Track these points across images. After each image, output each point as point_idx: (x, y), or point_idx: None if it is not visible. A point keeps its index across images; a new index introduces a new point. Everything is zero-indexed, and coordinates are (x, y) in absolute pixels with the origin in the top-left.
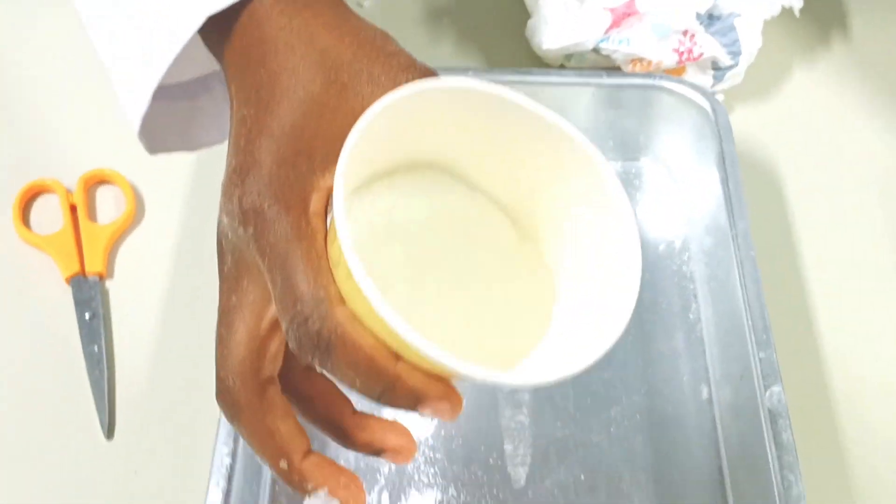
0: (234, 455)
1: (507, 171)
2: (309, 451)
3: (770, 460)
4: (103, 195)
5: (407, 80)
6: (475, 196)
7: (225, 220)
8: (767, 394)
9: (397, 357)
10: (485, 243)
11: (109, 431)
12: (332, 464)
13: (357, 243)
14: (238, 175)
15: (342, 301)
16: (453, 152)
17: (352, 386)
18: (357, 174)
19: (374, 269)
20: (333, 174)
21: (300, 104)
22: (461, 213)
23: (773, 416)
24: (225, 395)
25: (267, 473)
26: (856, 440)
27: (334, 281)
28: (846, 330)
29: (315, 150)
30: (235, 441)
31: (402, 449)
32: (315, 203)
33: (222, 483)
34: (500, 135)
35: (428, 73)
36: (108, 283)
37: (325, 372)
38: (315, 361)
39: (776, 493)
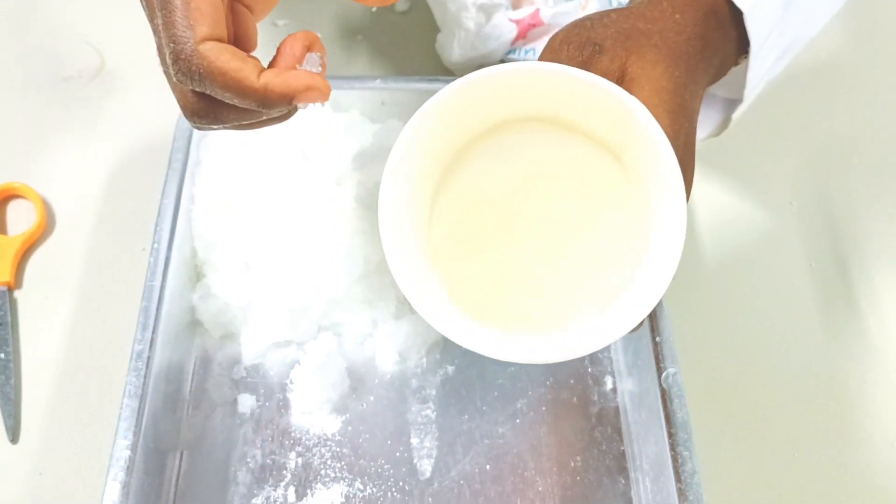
0: (134, 448)
1: (601, 121)
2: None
3: (666, 438)
4: (14, 208)
5: None
6: (576, 138)
7: None
8: (664, 375)
9: (260, 70)
10: (588, 183)
11: (14, 436)
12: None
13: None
14: None
15: (210, 36)
16: (552, 108)
17: (232, 102)
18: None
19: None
20: None
21: None
22: (565, 158)
23: (669, 396)
24: (194, 57)
25: (172, 465)
26: (749, 419)
27: (207, 20)
28: (742, 312)
29: None
30: (135, 435)
31: (313, 85)
32: None
33: (121, 476)
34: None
35: None
36: (17, 294)
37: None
38: (196, 87)
39: (671, 469)
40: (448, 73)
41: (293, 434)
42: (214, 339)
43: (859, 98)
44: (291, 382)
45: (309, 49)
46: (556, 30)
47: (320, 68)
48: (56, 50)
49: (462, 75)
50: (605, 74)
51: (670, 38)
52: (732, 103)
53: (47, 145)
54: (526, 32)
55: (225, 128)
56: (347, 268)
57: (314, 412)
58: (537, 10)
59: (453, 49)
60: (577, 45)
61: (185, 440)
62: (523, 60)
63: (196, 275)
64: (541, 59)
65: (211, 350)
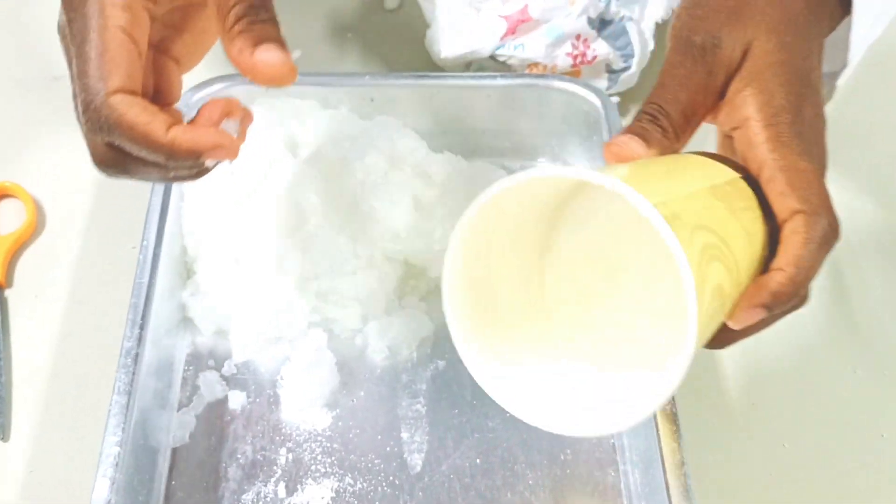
0: (123, 445)
1: None
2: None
3: (655, 430)
4: (4, 208)
5: None
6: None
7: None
8: None
9: (169, 126)
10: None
11: (5, 434)
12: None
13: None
14: None
15: (122, 89)
16: None
17: (140, 155)
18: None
19: None
20: None
21: None
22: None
23: None
24: (103, 108)
25: (163, 462)
26: (737, 411)
27: (120, 72)
28: None
29: None
30: (125, 431)
31: (220, 143)
32: None
33: (110, 472)
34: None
35: None
36: (8, 292)
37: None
38: (105, 138)
39: (660, 461)
40: (437, 69)
41: (284, 430)
42: (205, 336)
43: None
44: (282, 379)
45: (228, 115)
46: (546, 25)
47: (237, 134)
48: (46, 49)
49: (451, 71)
50: (729, 65)
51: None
52: (832, 76)
53: (37, 145)
54: (515, 28)
55: (134, 179)
56: (337, 264)
57: (305, 408)
58: (526, 6)
59: (442, 45)
60: (700, 48)
61: (175, 437)
62: (512, 56)
63: (186, 272)
64: (668, 60)
65: (201, 347)
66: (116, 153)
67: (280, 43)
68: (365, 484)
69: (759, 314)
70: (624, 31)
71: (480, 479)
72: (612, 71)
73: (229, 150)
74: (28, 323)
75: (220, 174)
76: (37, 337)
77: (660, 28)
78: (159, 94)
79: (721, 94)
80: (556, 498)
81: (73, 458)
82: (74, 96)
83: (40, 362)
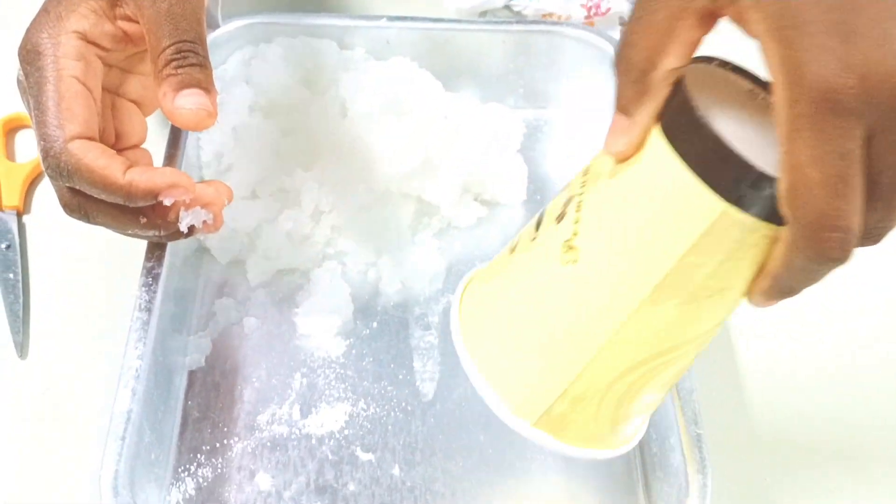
0: (144, 359)
1: None
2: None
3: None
4: (21, 137)
5: None
6: None
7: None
8: None
9: (127, 168)
10: None
11: (23, 352)
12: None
13: None
14: (33, 19)
15: (80, 135)
16: None
17: (101, 197)
18: None
19: None
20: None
21: None
22: None
23: None
24: (62, 155)
25: (179, 383)
26: (748, 346)
27: (77, 119)
28: None
29: None
30: (145, 346)
31: (177, 183)
32: (64, 46)
33: (132, 384)
34: None
35: None
36: (26, 218)
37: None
38: (66, 183)
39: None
40: (453, 17)
41: (298, 356)
42: (221, 264)
43: None
44: (296, 307)
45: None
46: None
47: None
48: None
49: (467, 20)
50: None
51: None
52: None
53: None
54: None
55: (108, 227)
56: (352, 196)
57: (318, 336)
58: None
59: None
60: None
61: (191, 359)
62: (527, 6)
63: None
64: None
65: (217, 275)
66: (81, 197)
67: (204, 88)
68: (378, 409)
69: (769, 301)
70: None
71: None
72: (625, 23)
73: (186, 190)
74: (46, 248)
75: (238, 109)
76: (55, 261)
77: None
78: (122, 138)
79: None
80: None
81: (89, 378)
82: (37, 144)
83: (57, 285)
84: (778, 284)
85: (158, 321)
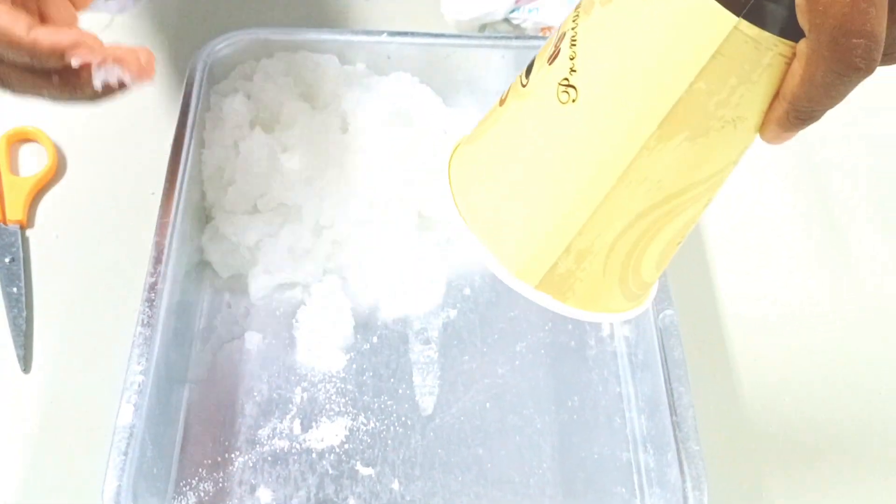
0: (146, 374)
1: None
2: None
3: (662, 375)
4: (26, 151)
5: None
6: None
7: None
8: (661, 316)
9: (31, 26)
10: None
11: (26, 365)
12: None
13: None
14: None
15: None
16: None
17: (7, 57)
18: None
19: None
20: None
21: None
22: None
23: (666, 336)
24: None
25: (180, 397)
26: (743, 360)
27: None
28: (736, 256)
29: None
30: (148, 361)
31: (80, 41)
32: None
33: (134, 399)
34: None
35: None
36: (29, 232)
37: None
38: None
39: (668, 403)
40: (453, 32)
41: (299, 370)
42: (222, 279)
43: None
44: (297, 321)
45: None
46: None
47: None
48: None
49: (467, 35)
50: None
51: None
52: None
53: None
54: None
55: (18, 92)
56: (353, 211)
57: (319, 350)
58: None
59: (457, 7)
60: None
61: (193, 374)
62: (526, 20)
63: (205, 217)
64: None
65: (219, 289)
66: None
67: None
68: (378, 423)
69: (786, 132)
70: None
71: (490, 421)
72: None
73: (90, 50)
74: (49, 261)
75: (240, 124)
76: (58, 275)
77: None
78: (46, 21)
79: None
80: (563, 442)
81: (92, 392)
82: None
83: (61, 299)
84: (795, 108)
85: (160, 336)
